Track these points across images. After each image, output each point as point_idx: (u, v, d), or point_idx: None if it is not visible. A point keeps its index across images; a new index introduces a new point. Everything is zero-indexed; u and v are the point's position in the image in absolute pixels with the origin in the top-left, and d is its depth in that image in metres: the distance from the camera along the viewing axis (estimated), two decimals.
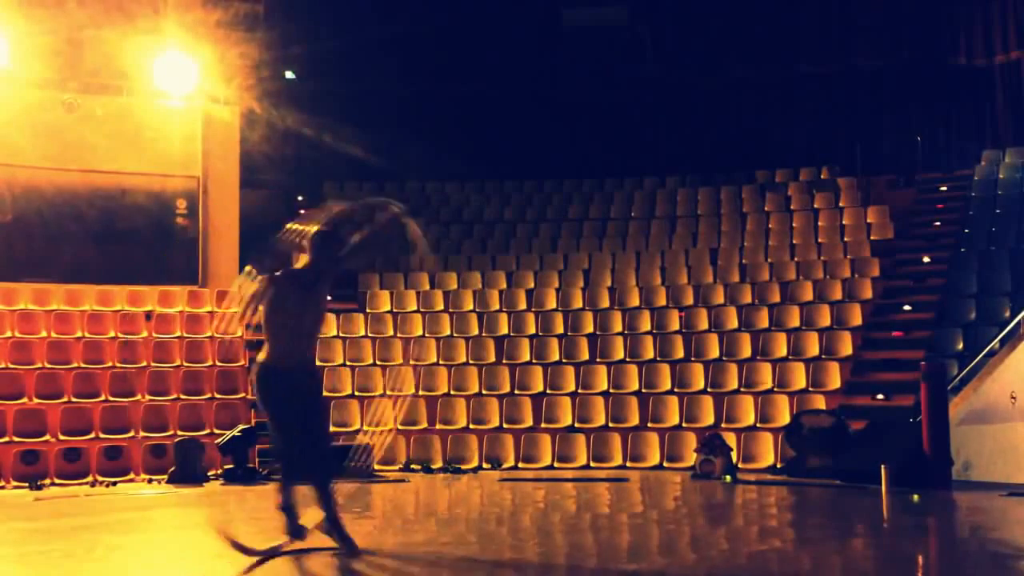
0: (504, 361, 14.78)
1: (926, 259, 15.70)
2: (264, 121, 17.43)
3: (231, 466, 12.08)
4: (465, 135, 19.37)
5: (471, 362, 14.79)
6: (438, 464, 13.19)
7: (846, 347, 14.02)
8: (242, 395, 14.03)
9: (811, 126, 19.24)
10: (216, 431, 12.96)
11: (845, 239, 16.63)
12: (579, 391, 14.16)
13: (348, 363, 14.74)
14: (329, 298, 6.57)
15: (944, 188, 17.64)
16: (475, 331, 15.41)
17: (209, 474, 12.16)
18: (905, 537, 7.48)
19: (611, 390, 14.07)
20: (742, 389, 13.62)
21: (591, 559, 6.37)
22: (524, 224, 18.47)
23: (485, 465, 13.25)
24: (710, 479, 11.42)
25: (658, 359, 14.45)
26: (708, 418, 13.32)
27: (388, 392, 13.72)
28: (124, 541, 7.39)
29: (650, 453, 13.22)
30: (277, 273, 6.14)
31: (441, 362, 14.82)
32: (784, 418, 12.79)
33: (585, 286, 16.27)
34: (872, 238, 16.56)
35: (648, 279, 16.27)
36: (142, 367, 13.96)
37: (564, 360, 14.71)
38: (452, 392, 14.30)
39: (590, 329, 15.27)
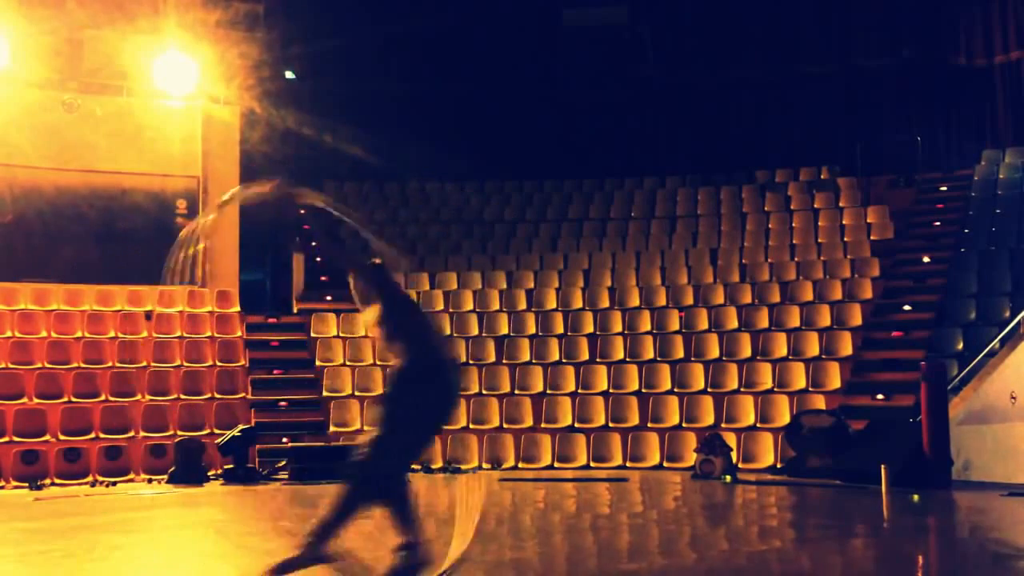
0: (504, 361, 14.78)
1: (926, 259, 15.69)
2: (264, 121, 17.41)
3: (231, 466, 12.08)
4: (465, 135, 19.35)
5: (471, 362, 14.78)
6: (438, 464, 13.19)
7: (846, 347, 14.02)
8: (242, 395, 14.04)
9: (811, 126, 19.21)
10: (216, 431, 12.97)
11: (845, 239, 16.63)
12: (579, 391, 14.16)
13: (348, 363, 14.74)
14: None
15: (944, 188, 17.63)
16: (475, 331, 15.41)
17: (209, 474, 12.16)
18: (905, 537, 7.48)
19: (611, 390, 14.07)
20: (742, 389, 13.62)
21: (591, 559, 6.37)
22: (524, 224, 18.46)
23: (485, 465, 13.25)
24: (710, 479, 11.41)
25: (658, 359, 14.45)
26: (708, 418, 13.32)
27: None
28: (124, 541, 7.39)
29: (650, 453, 13.22)
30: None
31: None
32: (784, 418, 12.79)
33: (585, 286, 16.26)
34: (872, 238, 16.55)
35: (648, 279, 16.27)
36: (142, 367, 13.96)
37: (564, 360, 14.71)
38: None
39: (590, 329, 15.26)
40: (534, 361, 14.75)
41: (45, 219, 15.42)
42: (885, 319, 14.62)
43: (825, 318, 14.63)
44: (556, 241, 17.86)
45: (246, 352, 14.82)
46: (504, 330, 15.45)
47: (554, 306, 15.90)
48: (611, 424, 13.61)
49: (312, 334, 15.28)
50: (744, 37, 19.58)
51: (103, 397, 13.32)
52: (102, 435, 12.75)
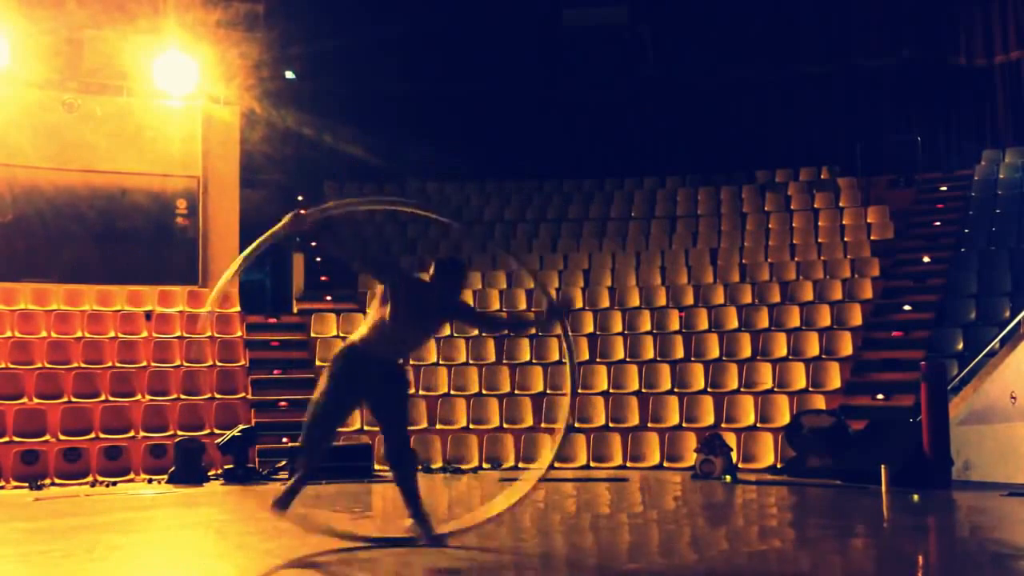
0: (504, 361, 14.78)
1: (926, 259, 15.70)
2: (264, 121, 17.42)
3: (231, 466, 12.08)
4: (465, 135, 19.35)
5: (471, 362, 14.79)
6: (438, 464, 13.19)
7: (846, 347, 14.02)
8: (242, 395, 14.04)
9: (811, 126, 19.23)
10: (216, 431, 12.97)
11: (845, 239, 16.63)
12: (579, 391, 14.16)
13: None
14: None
15: (944, 188, 17.64)
16: (475, 331, 15.40)
17: (209, 474, 12.16)
18: (905, 537, 7.48)
19: (611, 390, 14.07)
20: (742, 389, 13.62)
21: (591, 559, 6.37)
22: (524, 224, 18.47)
23: (485, 465, 13.25)
24: (710, 479, 11.41)
25: (658, 359, 14.45)
26: (708, 418, 13.33)
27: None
28: (124, 541, 7.38)
29: (650, 453, 13.22)
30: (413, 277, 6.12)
31: (441, 362, 14.82)
32: (784, 418, 12.79)
33: (585, 286, 16.26)
34: (872, 238, 16.56)
35: (648, 279, 16.27)
36: (142, 367, 13.97)
37: (564, 360, 14.70)
38: (452, 392, 14.30)
39: (590, 329, 15.27)
40: (534, 361, 14.75)
41: (45, 219, 15.42)
42: (885, 319, 14.63)
43: (825, 318, 14.63)
44: (556, 241, 17.87)
45: (246, 352, 14.83)
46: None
47: None
48: (611, 424, 13.61)
49: (312, 334, 15.29)
50: (744, 37, 19.58)
51: (103, 397, 13.32)
52: (102, 435, 12.76)
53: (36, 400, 13.02)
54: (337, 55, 18.67)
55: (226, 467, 12.15)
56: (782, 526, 8.05)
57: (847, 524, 8.09)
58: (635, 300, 15.85)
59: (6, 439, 12.36)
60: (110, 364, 13.89)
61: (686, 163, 19.32)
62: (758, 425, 13.05)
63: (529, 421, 13.82)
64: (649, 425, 13.48)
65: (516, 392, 14.23)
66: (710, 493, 10.27)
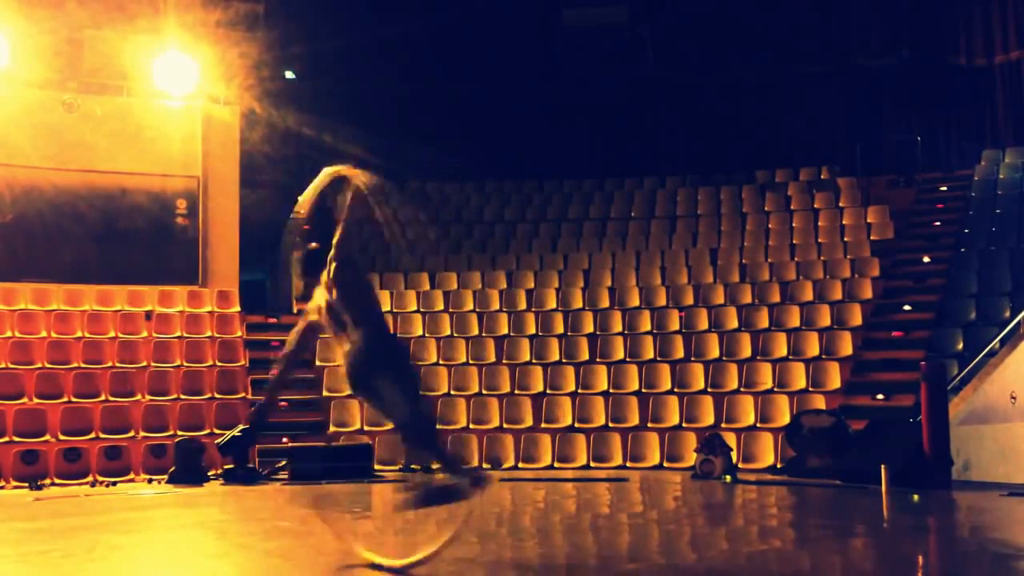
0: (504, 361, 14.78)
1: (926, 259, 15.70)
2: (264, 121, 17.41)
3: (231, 466, 12.08)
4: (465, 135, 19.35)
5: (471, 362, 14.79)
6: (438, 464, 13.17)
7: (846, 347, 14.02)
8: (242, 395, 14.03)
9: (811, 126, 19.21)
10: (216, 431, 12.96)
11: (845, 239, 16.63)
12: (579, 391, 14.17)
13: None
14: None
15: (944, 188, 17.64)
16: (475, 331, 15.41)
17: (209, 474, 12.16)
18: (905, 537, 7.48)
19: (611, 390, 14.07)
20: (742, 389, 13.62)
21: (591, 559, 6.37)
22: (524, 224, 18.46)
23: (485, 465, 13.25)
24: (710, 479, 11.42)
25: (658, 359, 14.45)
26: (708, 418, 13.33)
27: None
28: (124, 541, 7.39)
29: (650, 453, 13.22)
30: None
31: (441, 362, 14.82)
32: (784, 418, 12.79)
33: (585, 286, 16.26)
34: (872, 238, 16.55)
35: (648, 279, 16.27)
36: (142, 367, 13.96)
37: (564, 360, 14.72)
38: (452, 392, 14.30)
39: (590, 329, 15.27)
40: (534, 361, 14.75)
41: (45, 219, 15.40)
42: (885, 319, 14.63)
43: (825, 318, 14.63)
44: (556, 241, 17.86)
45: (246, 352, 14.82)
46: (504, 330, 15.45)
47: (554, 306, 15.90)
48: (611, 424, 13.61)
49: None
50: (744, 37, 19.58)
51: (103, 397, 13.32)
52: (102, 435, 12.75)
53: (36, 400, 13.02)
54: (337, 55, 18.66)
55: (226, 467, 12.15)
56: (782, 526, 8.05)
57: (847, 524, 8.09)
58: (635, 300, 15.85)
59: (6, 439, 12.35)
60: (110, 364, 13.89)
61: (686, 163, 19.31)
62: (758, 425, 13.05)
63: (529, 421, 13.82)
64: (649, 425, 13.48)
65: (516, 392, 14.23)
66: (710, 493, 10.27)
